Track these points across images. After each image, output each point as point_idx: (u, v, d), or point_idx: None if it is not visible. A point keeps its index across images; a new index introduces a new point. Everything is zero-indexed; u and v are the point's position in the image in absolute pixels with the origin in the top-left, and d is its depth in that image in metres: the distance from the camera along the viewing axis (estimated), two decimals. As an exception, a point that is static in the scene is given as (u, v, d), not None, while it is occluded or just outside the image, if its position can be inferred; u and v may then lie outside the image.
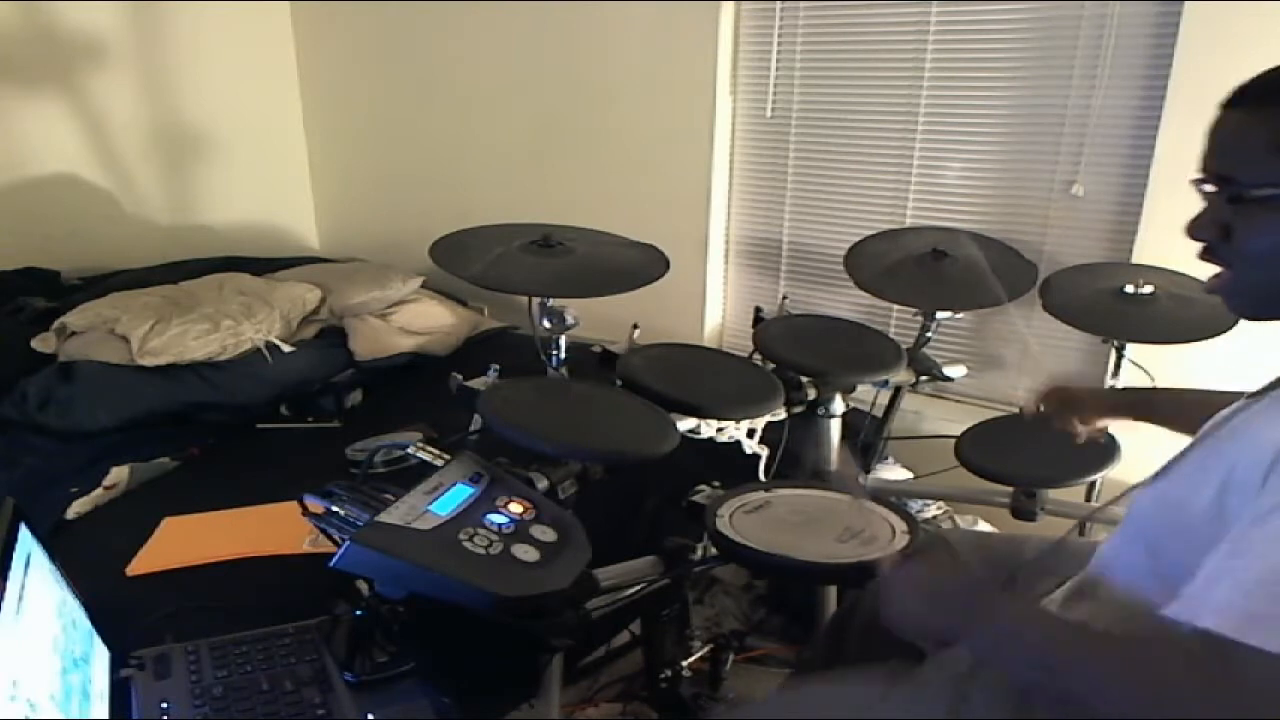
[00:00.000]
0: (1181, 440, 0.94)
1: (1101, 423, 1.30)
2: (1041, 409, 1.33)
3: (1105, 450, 1.59)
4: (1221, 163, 0.81)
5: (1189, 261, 0.88)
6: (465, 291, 2.85)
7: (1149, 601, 0.88)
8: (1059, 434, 1.32)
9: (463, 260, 1.60)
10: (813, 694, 1.10)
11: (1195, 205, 0.88)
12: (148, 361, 2.14)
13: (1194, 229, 0.85)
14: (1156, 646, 0.75)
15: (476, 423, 1.48)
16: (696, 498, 1.42)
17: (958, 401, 2.35)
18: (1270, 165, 0.77)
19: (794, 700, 1.13)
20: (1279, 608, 0.68)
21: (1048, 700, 0.87)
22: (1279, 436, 0.75)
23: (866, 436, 2.04)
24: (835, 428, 1.84)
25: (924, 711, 0.97)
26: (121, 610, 1.25)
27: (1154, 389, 1.30)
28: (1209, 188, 0.83)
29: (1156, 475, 0.93)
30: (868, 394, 1.96)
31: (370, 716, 1.05)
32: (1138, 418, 1.26)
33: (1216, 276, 0.86)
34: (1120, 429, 1.31)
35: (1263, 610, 0.68)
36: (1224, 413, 0.91)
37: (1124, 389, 1.38)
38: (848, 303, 2.44)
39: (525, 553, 1.05)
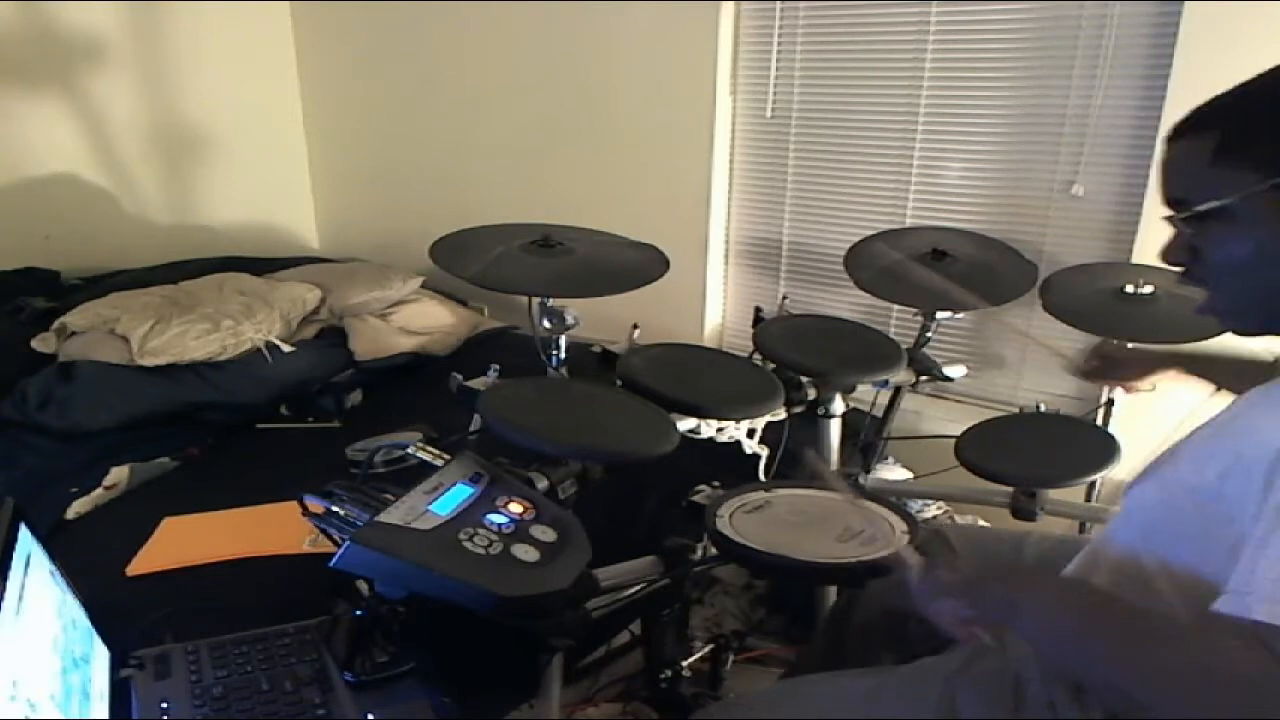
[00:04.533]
0: (1183, 431, 0.95)
1: (1149, 379, 1.31)
2: (1088, 366, 1.34)
3: (1105, 450, 1.59)
4: (1174, 189, 0.86)
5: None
6: (465, 291, 2.85)
7: (1143, 590, 0.88)
8: (1059, 434, 1.33)
9: (463, 260, 1.60)
10: (805, 693, 1.10)
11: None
12: (148, 361, 2.14)
13: (1166, 255, 0.89)
14: (1210, 635, 0.74)
15: (476, 423, 1.48)
16: (696, 498, 1.42)
17: (958, 401, 2.35)
18: (1211, 179, 0.81)
19: (787, 698, 1.13)
20: None
21: (1091, 688, 0.86)
22: None
23: (866, 436, 2.03)
24: (835, 428, 1.84)
25: (913, 710, 0.97)
26: (121, 610, 1.25)
27: (1202, 346, 1.31)
28: (1169, 214, 0.87)
29: (1158, 461, 0.93)
30: (868, 394, 1.96)
31: (370, 716, 1.05)
32: (1188, 373, 1.28)
33: (1205, 300, 0.89)
34: (1164, 389, 1.32)
35: None
36: (1230, 402, 0.91)
37: (1173, 347, 1.39)
38: (848, 303, 2.44)
39: (525, 553, 1.05)
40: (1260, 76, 0.81)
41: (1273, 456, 0.75)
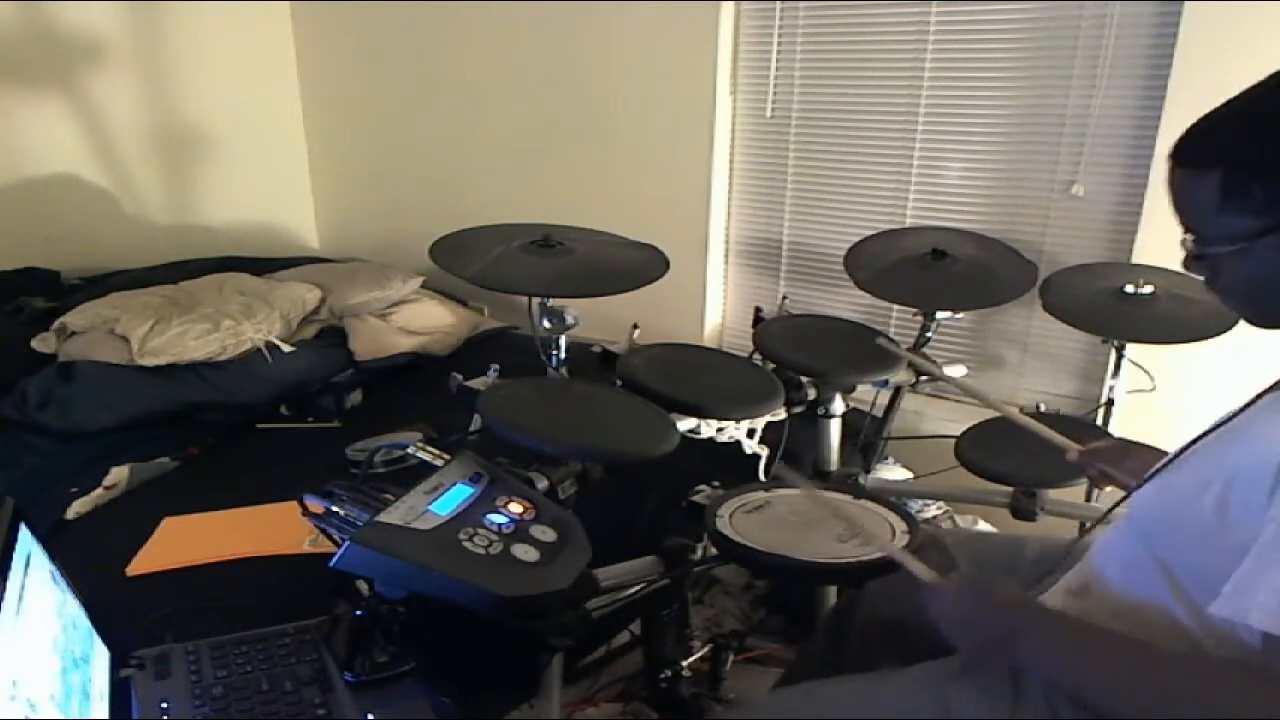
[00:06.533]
0: (1184, 438, 0.95)
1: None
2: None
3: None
4: (1186, 218, 0.87)
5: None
6: (465, 291, 2.85)
7: (1149, 596, 0.89)
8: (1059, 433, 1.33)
9: (463, 260, 1.60)
10: (805, 696, 1.10)
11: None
12: (148, 361, 2.14)
13: (1188, 267, 0.91)
14: (1210, 666, 0.78)
15: (476, 423, 1.48)
16: (696, 498, 1.42)
17: (958, 401, 2.35)
18: (1221, 223, 0.82)
19: (786, 702, 1.13)
20: None
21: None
22: None
23: (866, 436, 2.03)
24: (835, 428, 1.84)
25: (911, 711, 0.97)
26: (121, 610, 1.25)
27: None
28: (1184, 236, 0.88)
29: (1158, 470, 0.94)
30: (868, 394, 1.96)
31: (370, 716, 1.05)
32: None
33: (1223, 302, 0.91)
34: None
35: None
36: (1229, 411, 0.91)
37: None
38: (848, 303, 2.44)
39: (525, 553, 1.05)
40: (1253, 97, 0.82)
41: (1275, 468, 0.76)
